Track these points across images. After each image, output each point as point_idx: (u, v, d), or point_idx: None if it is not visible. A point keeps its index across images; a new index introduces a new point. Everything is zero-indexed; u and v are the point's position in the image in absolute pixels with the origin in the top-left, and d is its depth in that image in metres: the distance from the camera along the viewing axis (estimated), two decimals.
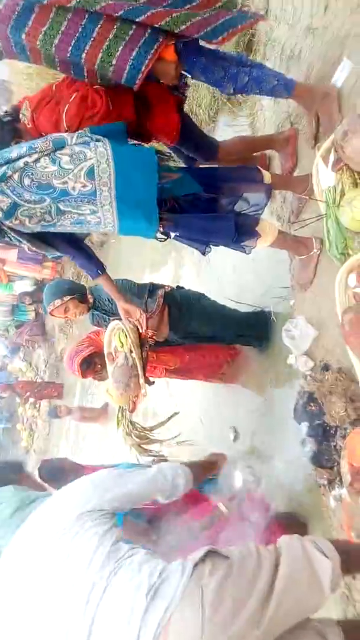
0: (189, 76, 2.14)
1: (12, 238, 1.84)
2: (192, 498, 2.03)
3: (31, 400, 8.07)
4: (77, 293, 2.63)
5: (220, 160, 2.33)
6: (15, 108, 1.98)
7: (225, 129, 3.47)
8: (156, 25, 1.81)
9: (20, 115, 1.94)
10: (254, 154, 2.55)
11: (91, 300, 2.70)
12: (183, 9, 1.87)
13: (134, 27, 1.82)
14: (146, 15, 1.80)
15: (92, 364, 2.76)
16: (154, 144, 2.08)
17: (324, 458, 1.96)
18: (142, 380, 2.46)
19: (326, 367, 2.05)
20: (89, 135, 1.77)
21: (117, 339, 2.55)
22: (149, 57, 1.84)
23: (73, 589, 1.15)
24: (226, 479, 1.91)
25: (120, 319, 2.45)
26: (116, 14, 1.79)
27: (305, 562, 1.29)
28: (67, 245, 2.00)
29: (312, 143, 2.24)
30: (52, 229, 1.85)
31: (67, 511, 1.28)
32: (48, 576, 1.18)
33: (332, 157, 1.98)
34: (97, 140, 1.75)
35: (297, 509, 2.36)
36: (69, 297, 2.57)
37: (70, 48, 1.83)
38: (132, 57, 1.82)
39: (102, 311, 2.71)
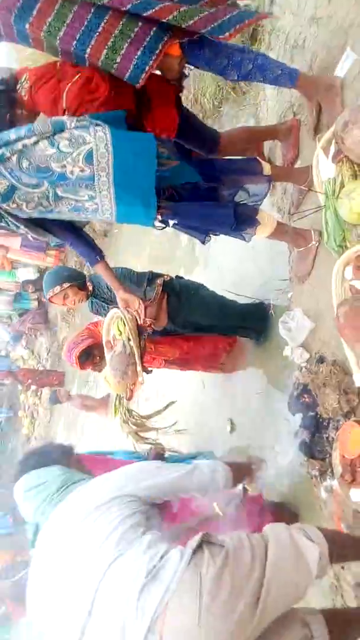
0: (191, 67, 2.13)
1: (10, 223, 1.84)
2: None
3: (33, 387, 8.11)
4: (77, 280, 2.64)
5: (223, 151, 2.32)
6: (13, 76, 1.95)
7: (230, 119, 3.45)
8: (163, 20, 1.80)
9: (18, 85, 1.92)
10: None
11: (90, 288, 2.71)
12: (191, 5, 1.86)
13: (140, 24, 1.81)
14: (154, 9, 1.79)
15: (91, 355, 2.77)
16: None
17: (316, 449, 1.97)
18: (139, 369, 2.48)
19: (321, 360, 2.05)
20: (89, 119, 1.76)
21: (116, 327, 2.56)
22: (153, 57, 1.83)
23: (88, 561, 1.22)
24: None
25: (119, 307, 2.47)
26: (123, 8, 1.78)
27: (292, 548, 1.31)
28: (65, 232, 2.00)
29: (313, 134, 2.22)
30: (49, 216, 1.85)
31: (101, 494, 1.37)
32: (74, 547, 1.26)
33: (332, 149, 1.97)
34: (97, 125, 1.75)
35: (289, 500, 2.38)
36: (68, 284, 2.59)
37: (74, 42, 1.83)
38: (136, 57, 1.82)
39: (102, 299, 2.72)
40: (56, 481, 1.63)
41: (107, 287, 2.64)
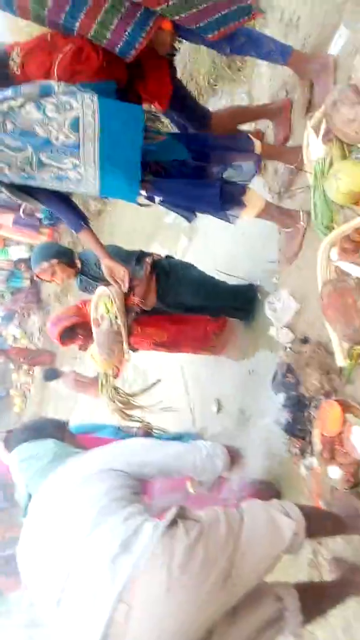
0: (183, 41, 2.09)
1: None
2: None
3: (24, 366, 8.12)
4: (65, 257, 2.63)
5: (213, 129, 2.30)
6: (4, 52, 1.91)
7: (224, 96, 3.41)
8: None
9: (10, 61, 1.88)
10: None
11: (79, 265, 2.69)
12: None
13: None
14: None
15: (74, 333, 2.77)
16: (144, 106, 2.05)
17: (297, 428, 2.00)
18: (125, 346, 2.49)
19: (305, 340, 2.07)
20: (78, 86, 1.74)
21: (104, 305, 2.56)
22: (143, 34, 1.80)
23: (71, 529, 1.25)
24: None
25: (107, 285, 2.46)
26: None
27: (268, 524, 1.34)
28: (49, 196, 1.97)
29: (304, 112, 2.21)
30: (32, 183, 1.82)
31: (90, 466, 1.40)
32: (60, 516, 1.29)
33: (322, 128, 1.96)
34: (85, 92, 1.72)
35: (271, 477, 2.42)
36: (56, 261, 2.57)
37: (64, 15, 1.78)
38: (127, 33, 1.79)
39: (90, 277, 2.71)
40: (49, 454, 1.67)
41: (96, 265, 2.63)
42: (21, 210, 6.44)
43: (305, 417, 1.97)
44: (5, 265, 7.92)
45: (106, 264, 2.22)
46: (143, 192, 1.89)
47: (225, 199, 1.93)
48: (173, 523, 1.20)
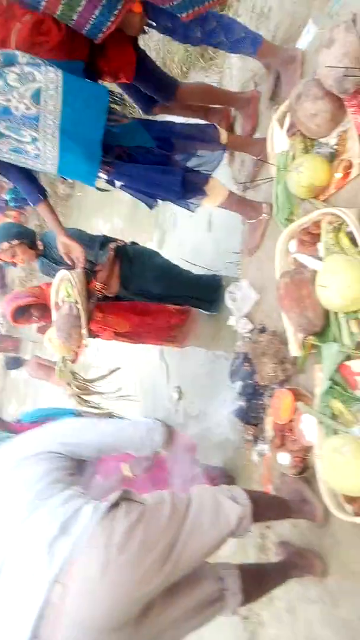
0: (154, 24, 2.06)
1: None
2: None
3: None
4: (27, 238, 2.58)
5: (179, 100, 2.27)
6: None
7: None
8: None
9: None
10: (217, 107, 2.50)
11: (41, 247, 2.65)
12: None
13: None
14: None
15: (28, 314, 2.72)
16: (107, 84, 2.01)
17: (251, 415, 2.04)
18: (84, 332, 2.47)
19: (263, 330, 2.10)
20: (43, 60, 1.70)
21: (65, 289, 2.53)
22: (112, 18, 1.76)
23: (5, 514, 1.23)
24: None
25: (69, 269, 2.43)
26: None
27: (213, 508, 1.36)
28: (8, 166, 1.92)
29: (268, 102, 2.23)
30: None
31: (25, 449, 1.38)
32: None
33: (287, 121, 1.98)
34: (50, 66, 1.68)
35: (225, 464, 2.47)
36: (17, 242, 2.52)
37: None
38: (94, 16, 1.73)
39: (52, 259, 2.67)
40: None
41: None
42: None
43: (259, 405, 2.01)
44: None
45: (62, 241, 2.18)
46: (103, 176, 1.86)
47: (187, 188, 1.93)
48: (115, 505, 1.21)
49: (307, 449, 1.73)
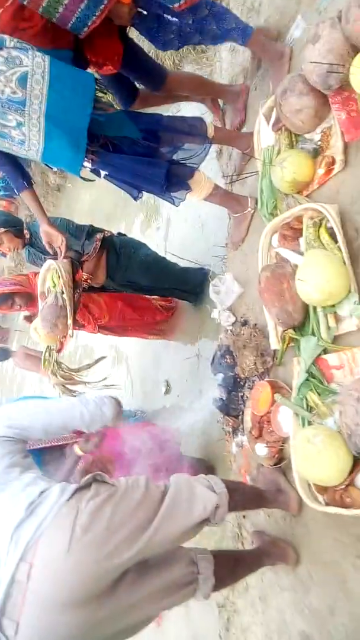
0: (144, 12, 2.06)
1: None
2: None
3: None
4: (13, 227, 2.58)
5: (168, 89, 2.27)
6: None
7: None
8: None
9: None
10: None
11: (27, 236, 2.65)
12: None
13: None
14: None
15: (10, 301, 2.73)
16: (94, 72, 2.00)
17: (231, 407, 2.07)
18: (70, 322, 2.47)
19: (245, 323, 2.12)
20: (31, 45, 1.69)
21: (51, 278, 2.53)
22: (97, 13, 1.74)
23: None
24: None
25: (55, 259, 2.43)
26: None
27: (189, 495, 1.39)
28: None
29: (256, 97, 2.23)
30: None
31: None
32: None
33: (273, 116, 2.00)
34: (37, 51, 1.67)
35: (205, 455, 2.50)
36: (3, 230, 2.52)
37: None
38: (80, 10, 1.72)
39: (39, 249, 2.67)
40: None
41: None
42: None
43: (239, 397, 2.04)
44: None
45: (44, 230, 2.19)
46: (88, 165, 1.86)
47: (171, 181, 1.94)
48: (86, 487, 1.23)
49: (284, 440, 1.76)
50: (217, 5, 1.99)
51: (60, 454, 1.85)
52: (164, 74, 2.27)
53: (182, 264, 2.99)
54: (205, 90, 2.45)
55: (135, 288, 2.94)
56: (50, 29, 1.76)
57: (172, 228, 3.56)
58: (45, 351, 2.60)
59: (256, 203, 2.17)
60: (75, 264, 2.57)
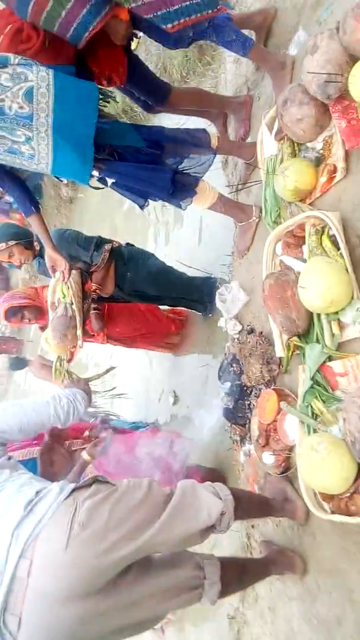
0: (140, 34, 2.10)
1: None
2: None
3: None
4: (23, 239, 2.63)
5: (172, 104, 2.32)
6: None
7: None
8: None
9: None
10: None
11: (37, 248, 2.70)
12: None
13: None
14: None
15: (20, 314, 2.78)
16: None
17: (238, 415, 2.07)
18: (79, 332, 2.51)
19: (251, 331, 2.13)
20: (34, 61, 1.75)
21: (60, 289, 2.57)
22: (98, 19, 1.79)
23: None
24: None
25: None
26: None
27: (193, 500, 1.40)
28: (2, 174, 1.97)
29: (260, 107, 2.25)
30: None
31: None
32: None
33: (275, 126, 2.02)
34: (41, 66, 1.73)
35: (217, 465, 2.49)
36: (14, 242, 2.57)
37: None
38: (82, 15, 1.77)
39: None
40: None
41: None
42: None
43: (246, 406, 2.04)
44: None
45: (49, 254, 2.26)
46: (95, 173, 1.91)
47: (177, 187, 1.97)
48: (85, 486, 1.26)
49: (291, 449, 1.76)
50: (218, 17, 2.02)
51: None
52: (168, 89, 2.31)
53: (190, 273, 3.01)
54: (208, 102, 2.49)
55: (144, 297, 2.97)
56: (48, 47, 1.82)
57: (179, 237, 3.59)
58: (56, 361, 2.64)
59: (261, 212, 2.18)
60: (84, 275, 2.62)
